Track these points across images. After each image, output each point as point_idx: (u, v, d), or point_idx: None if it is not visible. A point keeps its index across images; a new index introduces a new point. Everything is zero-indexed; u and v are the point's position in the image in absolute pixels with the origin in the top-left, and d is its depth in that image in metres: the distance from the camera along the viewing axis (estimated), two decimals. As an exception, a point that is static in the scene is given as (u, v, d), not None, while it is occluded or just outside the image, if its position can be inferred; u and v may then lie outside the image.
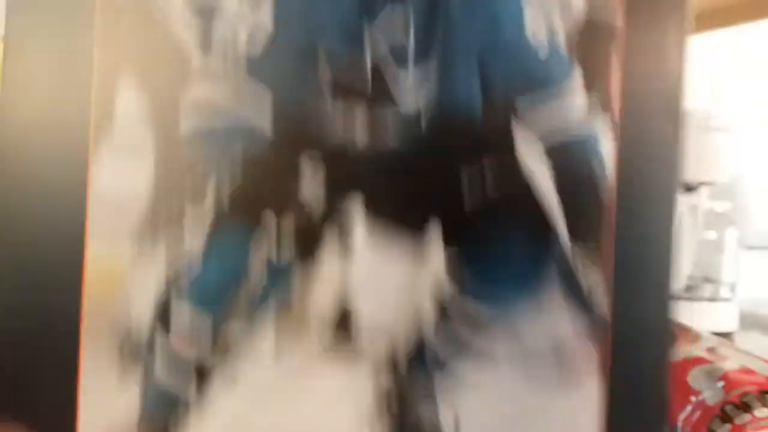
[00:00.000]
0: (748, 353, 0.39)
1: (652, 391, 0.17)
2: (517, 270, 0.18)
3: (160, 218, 0.17)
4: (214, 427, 0.17)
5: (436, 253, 0.18)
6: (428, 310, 0.17)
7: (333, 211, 0.17)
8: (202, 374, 0.17)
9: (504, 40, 0.16)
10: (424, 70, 0.17)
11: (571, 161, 0.17)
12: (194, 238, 0.17)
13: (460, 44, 0.16)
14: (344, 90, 0.17)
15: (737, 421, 0.32)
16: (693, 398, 0.36)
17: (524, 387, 0.17)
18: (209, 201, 0.17)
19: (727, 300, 0.75)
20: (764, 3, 0.90)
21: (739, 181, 0.82)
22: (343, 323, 0.17)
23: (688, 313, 0.66)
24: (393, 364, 0.17)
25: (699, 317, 0.69)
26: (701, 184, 0.74)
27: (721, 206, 0.76)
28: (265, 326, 0.17)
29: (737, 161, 0.75)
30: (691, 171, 0.73)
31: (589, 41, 0.17)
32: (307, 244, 0.17)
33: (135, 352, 0.17)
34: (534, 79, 0.17)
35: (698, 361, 0.39)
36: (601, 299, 0.17)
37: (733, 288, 0.76)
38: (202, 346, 0.17)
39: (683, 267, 0.72)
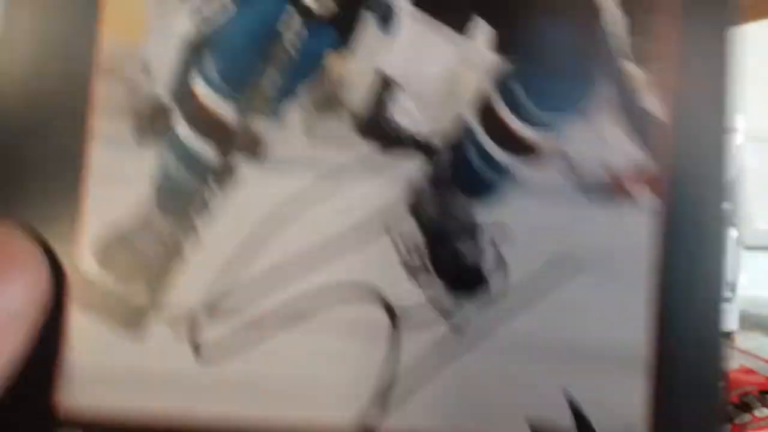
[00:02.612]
0: (748, 353, 0.39)
1: (710, 207, 0.16)
2: (568, 86, 0.16)
3: None
4: (235, 222, 0.15)
5: (482, 58, 0.16)
6: (473, 122, 0.16)
7: None
8: (223, 170, 0.16)
9: None
10: None
11: None
12: None
13: None
14: None
15: (737, 421, 0.32)
16: (693, 398, 0.36)
17: (574, 210, 0.15)
18: None
19: (727, 300, 0.75)
20: (765, 3, 0.90)
21: (739, 181, 0.82)
22: (380, 105, 0.16)
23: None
24: (431, 177, 0.15)
25: (699, 317, 0.69)
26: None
27: (721, 206, 0.76)
28: (294, 111, 0.15)
29: (737, 161, 0.75)
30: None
31: None
32: (344, 28, 0.16)
33: (153, 127, 0.15)
34: None
35: (698, 361, 0.39)
36: (659, 132, 0.15)
37: (733, 288, 0.76)
38: (223, 138, 0.15)
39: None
